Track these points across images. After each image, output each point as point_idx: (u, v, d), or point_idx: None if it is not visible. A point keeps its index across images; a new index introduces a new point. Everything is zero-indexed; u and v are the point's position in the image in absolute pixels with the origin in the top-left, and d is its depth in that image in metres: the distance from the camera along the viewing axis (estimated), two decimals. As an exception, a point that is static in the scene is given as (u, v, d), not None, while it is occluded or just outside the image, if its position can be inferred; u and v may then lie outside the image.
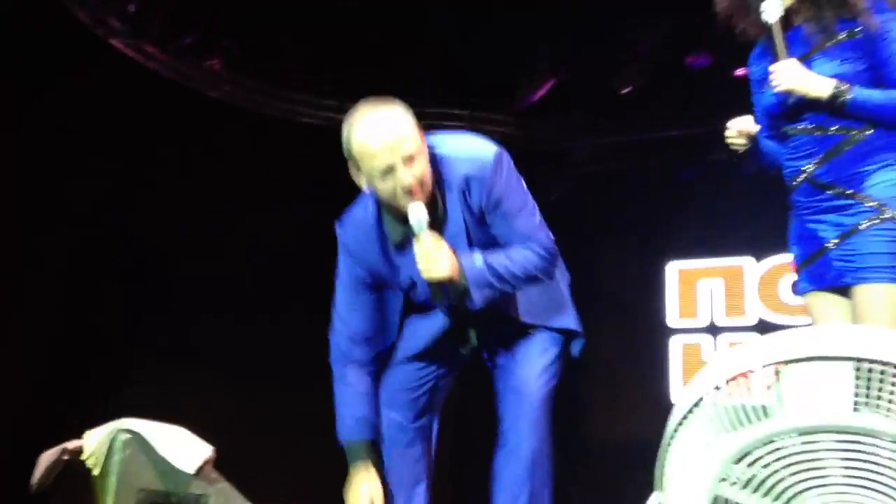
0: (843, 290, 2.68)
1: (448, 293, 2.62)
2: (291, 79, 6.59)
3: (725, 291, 6.70)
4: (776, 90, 2.69)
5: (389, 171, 2.52)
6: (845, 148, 2.67)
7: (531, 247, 2.67)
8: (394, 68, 5.95)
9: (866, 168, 2.64)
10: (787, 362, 1.65)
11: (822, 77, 2.64)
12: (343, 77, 6.21)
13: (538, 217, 2.74)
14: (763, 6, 2.72)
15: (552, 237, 2.75)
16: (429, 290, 2.64)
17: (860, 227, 2.61)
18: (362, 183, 2.64)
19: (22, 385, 5.22)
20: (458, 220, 2.64)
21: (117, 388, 5.30)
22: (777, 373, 1.66)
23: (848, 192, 2.65)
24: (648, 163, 6.81)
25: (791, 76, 2.65)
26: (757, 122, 2.88)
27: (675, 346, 6.68)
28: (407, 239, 2.64)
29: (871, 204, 2.61)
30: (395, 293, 2.81)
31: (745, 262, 6.65)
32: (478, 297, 2.61)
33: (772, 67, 2.70)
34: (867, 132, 2.65)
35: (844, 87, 2.62)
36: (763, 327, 6.51)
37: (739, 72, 4.02)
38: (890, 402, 1.61)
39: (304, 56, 6.43)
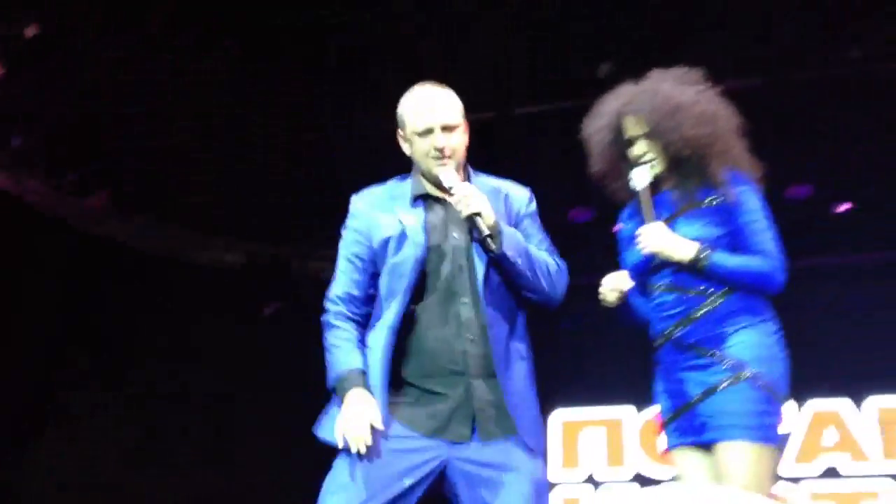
0: (708, 447, 2.77)
1: (478, 231, 2.56)
2: (180, 216, 6.55)
3: (607, 442, 6.77)
4: (643, 251, 2.82)
5: (428, 132, 2.67)
6: (705, 310, 2.80)
7: (554, 257, 2.76)
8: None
9: (725, 330, 2.78)
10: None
11: (686, 240, 2.80)
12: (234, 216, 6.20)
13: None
14: (632, 174, 2.89)
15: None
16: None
17: (720, 387, 2.73)
18: (405, 148, 2.76)
19: None
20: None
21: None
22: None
23: (709, 352, 2.77)
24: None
25: (657, 239, 2.79)
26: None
27: (556, 499, 6.67)
28: (426, 195, 2.72)
29: (729, 364, 2.74)
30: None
31: (626, 413, 6.76)
32: (507, 246, 2.57)
33: (640, 230, 2.83)
34: (726, 295, 2.80)
35: (705, 251, 2.77)
36: (641, 480, 6.57)
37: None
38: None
39: (195, 194, 6.42)
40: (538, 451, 2.66)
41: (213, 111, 5.91)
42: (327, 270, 2.83)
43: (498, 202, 2.71)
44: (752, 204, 2.85)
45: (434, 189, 2.72)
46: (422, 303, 2.65)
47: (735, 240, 2.83)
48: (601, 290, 2.94)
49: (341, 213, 2.79)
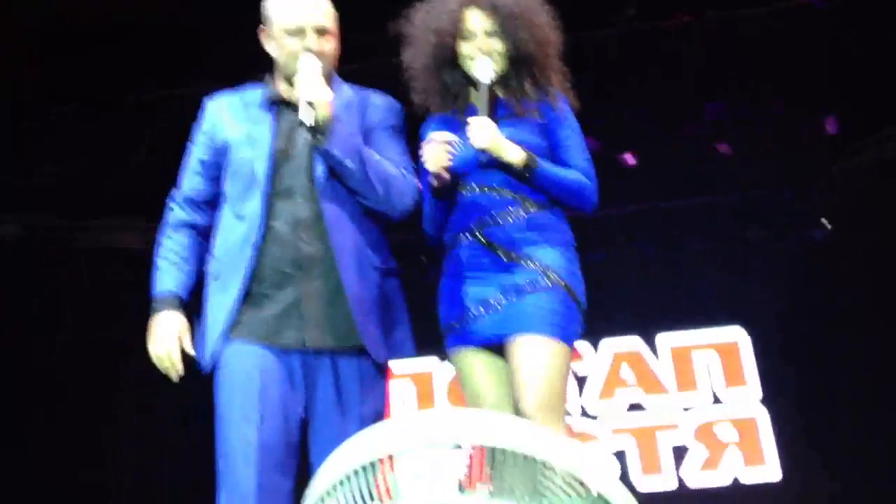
0: (497, 350, 2.73)
1: (315, 123, 2.48)
2: None
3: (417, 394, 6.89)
4: (476, 145, 2.72)
5: (299, 32, 2.60)
6: (520, 213, 2.76)
7: (401, 170, 2.68)
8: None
9: (534, 238, 2.74)
10: (398, 452, 1.77)
11: (515, 144, 2.74)
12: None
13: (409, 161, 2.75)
14: (477, 65, 2.80)
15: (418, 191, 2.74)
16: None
17: (528, 287, 2.69)
18: (269, 46, 2.68)
19: None
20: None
21: None
22: (392, 459, 1.78)
23: (514, 254, 2.73)
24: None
25: (492, 136, 2.71)
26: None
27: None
28: (280, 101, 2.66)
29: (538, 267, 2.71)
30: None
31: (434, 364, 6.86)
32: (335, 143, 2.50)
33: (473, 120, 2.73)
34: (540, 207, 2.77)
35: (534, 157, 2.74)
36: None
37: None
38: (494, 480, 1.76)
39: None
40: (383, 367, 2.64)
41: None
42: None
43: (352, 111, 2.65)
44: (572, 123, 2.85)
45: (290, 92, 2.64)
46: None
47: (552, 154, 2.81)
48: (432, 146, 2.73)
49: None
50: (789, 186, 6.64)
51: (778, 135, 6.26)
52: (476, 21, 2.82)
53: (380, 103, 2.76)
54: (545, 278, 2.70)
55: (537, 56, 2.83)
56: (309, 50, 2.58)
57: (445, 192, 2.80)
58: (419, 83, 2.92)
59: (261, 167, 2.58)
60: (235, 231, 2.58)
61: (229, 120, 2.67)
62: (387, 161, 2.66)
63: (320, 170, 2.57)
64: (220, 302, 2.57)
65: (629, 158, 6.45)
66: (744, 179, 6.52)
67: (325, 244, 2.54)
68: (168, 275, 2.65)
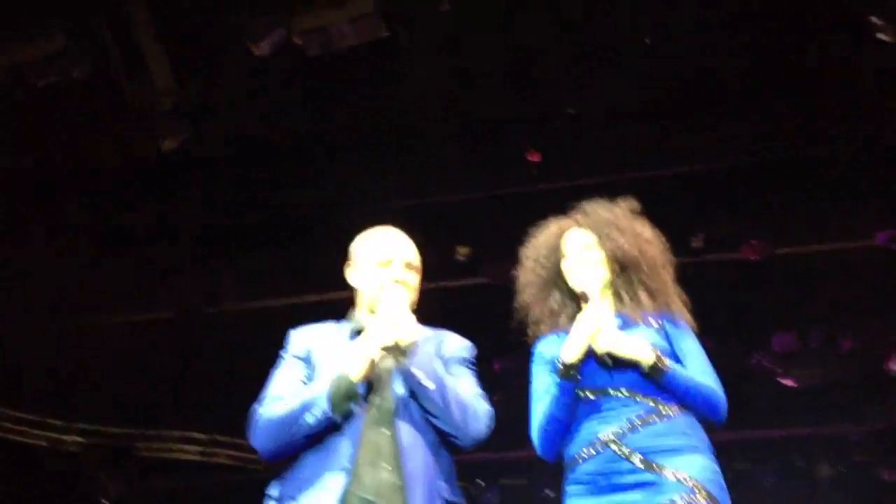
0: None
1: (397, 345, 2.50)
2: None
3: None
4: (600, 348, 2.54)
5: (386, 263, 2.68)
6: (655, 419, 2.52)
7: (477, 396, 2.63)
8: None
9: (678, 444, 2.49)
10: None
11: (644, 341, 2.55)
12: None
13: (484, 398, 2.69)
14: (574, 277, 2.72)
15: (492, 418, 2.63)
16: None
17: None
18: (353, 279, 2.75)
19: None
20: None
21: None
22: None
23: (657, 466, 2.45)
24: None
25: (615, 336, 2.55)
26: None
27: None
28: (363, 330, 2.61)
29: (685, 482, 2.41)
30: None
31: None
32: (417, 364, 2.50)
33: (590, 319, 2.56)
34: (679, 410, 2.54)
35: (666, 362, 2.53)
36: None
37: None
38: None
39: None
40: None
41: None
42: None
43: (428, 343, 2.64)
44: (694, 336, 2.68)
45: (371, 318, 2.66)
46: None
47: (678, 361, 2.61)
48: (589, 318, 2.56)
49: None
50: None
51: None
52: (573, 239, 2.77)
53: (454, 339, 2.79)
54: (696, 496, 2.40)
55: (642, 262, 2.70)
56: (396, 279, 2.66)
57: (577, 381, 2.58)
58: (531, 314, 2.83)
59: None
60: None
61: (319, 343, 2.71)
62: (462, 387, 2.63)
63: (400, 396, 2.57)
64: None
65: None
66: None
67: (400, 473, 2.51)
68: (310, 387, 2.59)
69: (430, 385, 2.53)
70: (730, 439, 6.60)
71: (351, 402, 2.49)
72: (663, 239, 2.80)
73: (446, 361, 2.70)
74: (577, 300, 2.75)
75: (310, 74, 4.71)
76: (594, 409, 2.57)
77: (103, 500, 6.65)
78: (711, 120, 5.28)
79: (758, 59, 4.90)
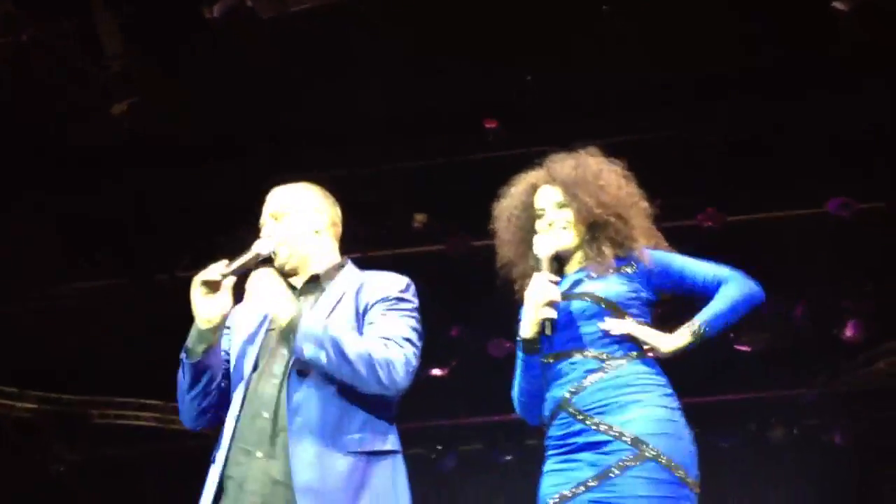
0: None
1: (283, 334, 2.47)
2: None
3: None
4: (613, 331, 2.57)
5: (262, 225, 2.68)
6: (602, 375, 2.54)
7: (393, 342, 2.51)
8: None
9: (622, 399, 2.50)
10: None
11: (666, 335, 2.58)
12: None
13: (416, 339, 2.58)
14: (535, 242, 2.70)
15: (414, 361, 2.54)
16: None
17: (617, 468, 2.43)
18: None
19: None
20: (331, 300, 2.59)
21: None
22: None
23: (604, 424, 2.48)
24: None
25: (633, 325, 2.58)
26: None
27: None
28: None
29: (626, 441, 2.45)
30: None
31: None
32: (302, 340, 2.42)
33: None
34: (622, 360, 2.56)
35: (694, 325, 2.56)
36: None
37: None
38: None
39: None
40: None
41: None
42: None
43: (348, 296, 2.60)
44: (672, 255, 2.70)
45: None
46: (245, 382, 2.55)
47: (682, 288, 2.67)
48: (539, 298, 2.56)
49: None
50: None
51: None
52: (544, 197, 2.77)
53: (375, 281, 2.66)
54: (640, 454, 2.44)
55: (607, 218, 2.69)
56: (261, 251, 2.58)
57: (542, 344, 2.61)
58: (515, 270, 2.81)
59: (252, 346, 2.61)
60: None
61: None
62: (376, 333, 2.53)
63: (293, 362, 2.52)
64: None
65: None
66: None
67: (279, 421, 2.47)
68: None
69: (320, 355, 2.44)
70: (685, 404, 6.69)
71: (202, 344, 2.51)
72: (632, 182, 2.79)
73: (366, 307, 2.60)
74: (558, 259, 2.73)
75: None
76: (556, 373, 2.60)
77: (58, 467, 6.61)
78: (668, 91, 5.30)
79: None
